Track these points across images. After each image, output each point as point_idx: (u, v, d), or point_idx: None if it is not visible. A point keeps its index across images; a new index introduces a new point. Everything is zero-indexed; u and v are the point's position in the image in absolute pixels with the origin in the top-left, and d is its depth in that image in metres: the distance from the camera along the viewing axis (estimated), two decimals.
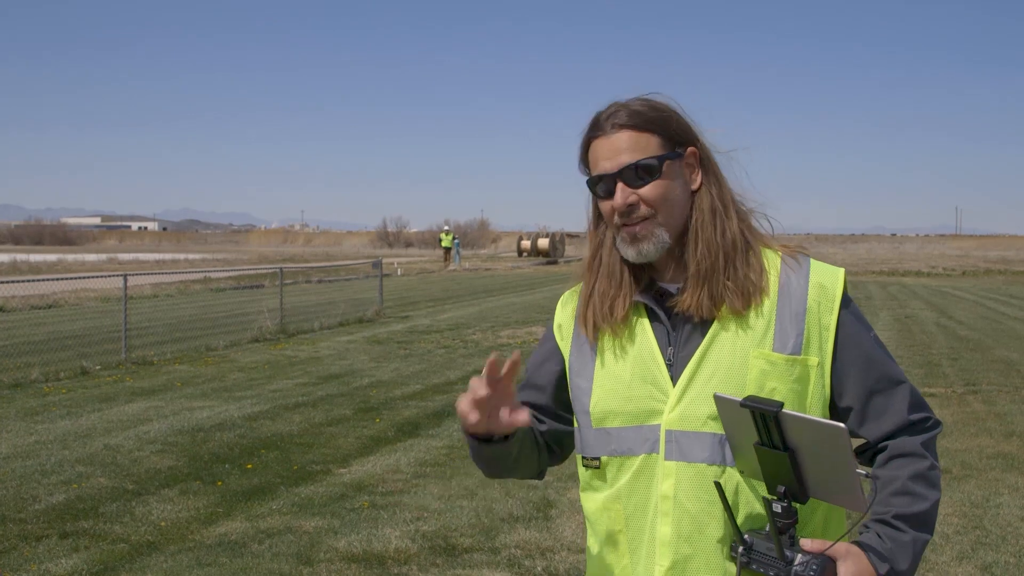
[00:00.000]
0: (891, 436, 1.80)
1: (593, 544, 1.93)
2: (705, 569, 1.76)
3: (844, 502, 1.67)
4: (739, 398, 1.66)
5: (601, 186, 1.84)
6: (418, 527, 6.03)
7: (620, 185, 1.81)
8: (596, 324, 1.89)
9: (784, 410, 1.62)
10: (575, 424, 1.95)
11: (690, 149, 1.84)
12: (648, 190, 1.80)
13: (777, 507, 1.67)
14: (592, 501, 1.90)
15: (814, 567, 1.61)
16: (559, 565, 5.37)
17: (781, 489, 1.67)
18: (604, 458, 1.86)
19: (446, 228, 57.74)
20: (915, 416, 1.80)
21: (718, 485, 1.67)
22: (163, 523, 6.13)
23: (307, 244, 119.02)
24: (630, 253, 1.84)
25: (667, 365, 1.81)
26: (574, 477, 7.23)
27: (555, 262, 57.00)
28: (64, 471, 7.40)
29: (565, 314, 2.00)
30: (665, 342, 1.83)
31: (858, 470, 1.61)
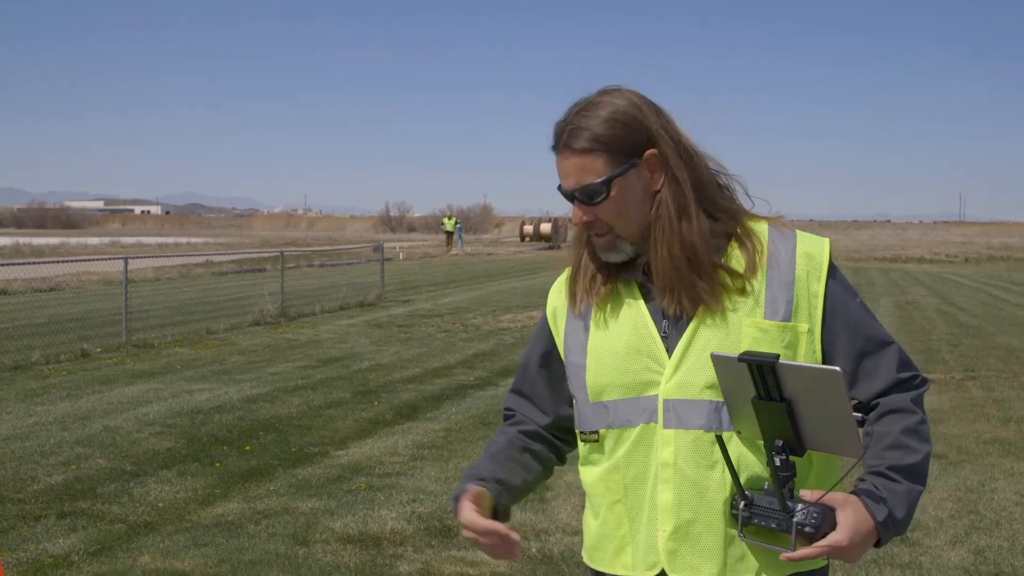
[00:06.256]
0: (882, 395, 1.85)
1: (590, 516, 1.98)
2: (707, 532, 1.81)
3: (839, 449, 1.74)
4: (735, 355, 1.72)
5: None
6: (414, 509, 6.05)
7: (576, 203, 1.86)
8: (582, 298, 1.94)
9: (781, 360, 1.69)
10: (574, 401, 1.99)
11: (648, 153, 1.82)
12: (600, 210, 1.83)
13: (776, 460, 1.73)
14: (590, 474, 1.96)
15: (815, 515, 1.68)
16: (554, 547, 5.39)
17: (779, 443, 1.73)
18: (602, 431, 1.91)
19: (449, 213, 57.67)
20: (904, 374, 1.85)
21: (720, 439, 1.74)
22: (161, 504, 6.16)
23: (310, 228, 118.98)
24: (602, 256, 1.91)
25: (662, 337, 1.85)
26: (570, 459, 7.25)
27: (557, 247, 56.95)
28: (63, 452, 7.43)
29: (560, 298, 2.03)
30: (660, 315, 1.87)
31: (855, 414, 1.70)
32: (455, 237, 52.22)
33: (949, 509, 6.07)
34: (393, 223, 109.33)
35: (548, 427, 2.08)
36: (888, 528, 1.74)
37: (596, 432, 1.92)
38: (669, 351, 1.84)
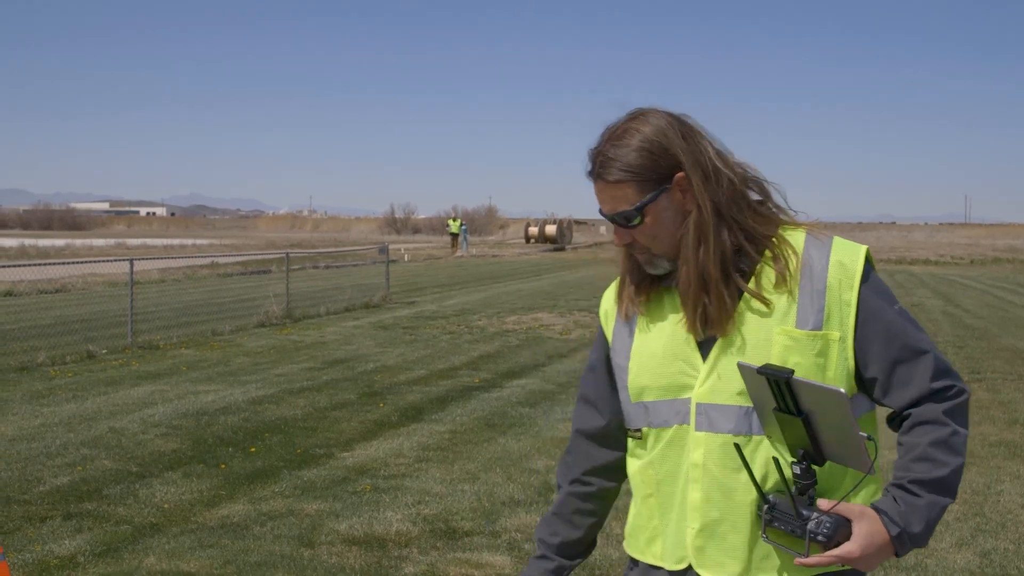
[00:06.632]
0: (915, 404, 1.86)
1: (632, 505, 2.10)
2: (733, 531, 1.89)
3: (851, 463, 1.78)
4: (758, 366, 1.78)
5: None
6: (419, 510, 6.06)
7: (615, 227, 1.95)
8: (627, 304, 2.04)
9: (795, 377, 1.73)
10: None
11: (678, 176, 1.88)
12: (636, 233, 1.92)
13: (796, 469, 1.79)
14: (632, 466, 2.08)
15: (827, 524, 1.75)
16: None
17: (800, 452, 1.79)
18: (645, 429, 2.02)
19: (454, 214, 57.67)
20: (938, 384, 1.86)
21: (737, 447, 1.80)
22: (166, 505, 6.17)
23: (315, 230, 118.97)
24: (644, 268, 2.00)
25: (699, 343, 1.93)
26: None
27: (562, 249, 56.97)
28: (69, 453, 7.45)
29: (610, 303, 2.14)
30: None
31: (860, 433, 1.73)
32: (460, 239, 52.23)
33: (955, 512, 6.05)
34: (398, 225, 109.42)
35: (611, 431, 2.14)
36: (904, 542, 1.79)
37: (639, 430, 2.03)
38: (704, 356, 1.92)
